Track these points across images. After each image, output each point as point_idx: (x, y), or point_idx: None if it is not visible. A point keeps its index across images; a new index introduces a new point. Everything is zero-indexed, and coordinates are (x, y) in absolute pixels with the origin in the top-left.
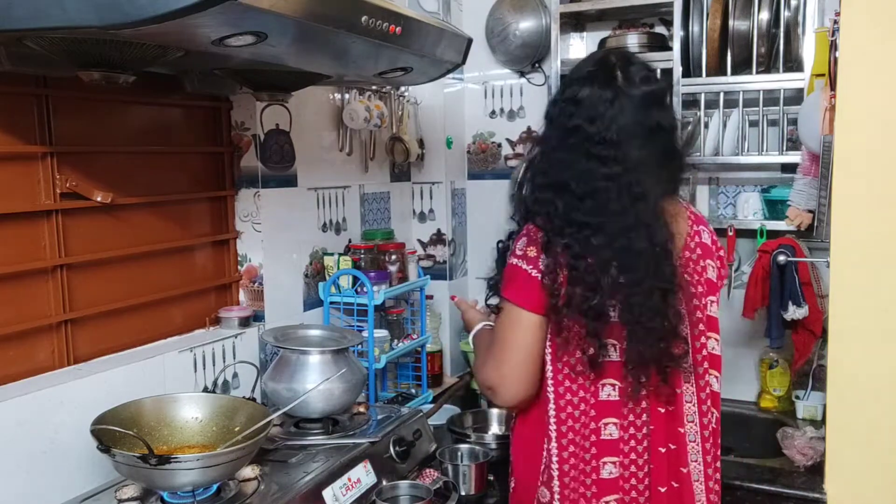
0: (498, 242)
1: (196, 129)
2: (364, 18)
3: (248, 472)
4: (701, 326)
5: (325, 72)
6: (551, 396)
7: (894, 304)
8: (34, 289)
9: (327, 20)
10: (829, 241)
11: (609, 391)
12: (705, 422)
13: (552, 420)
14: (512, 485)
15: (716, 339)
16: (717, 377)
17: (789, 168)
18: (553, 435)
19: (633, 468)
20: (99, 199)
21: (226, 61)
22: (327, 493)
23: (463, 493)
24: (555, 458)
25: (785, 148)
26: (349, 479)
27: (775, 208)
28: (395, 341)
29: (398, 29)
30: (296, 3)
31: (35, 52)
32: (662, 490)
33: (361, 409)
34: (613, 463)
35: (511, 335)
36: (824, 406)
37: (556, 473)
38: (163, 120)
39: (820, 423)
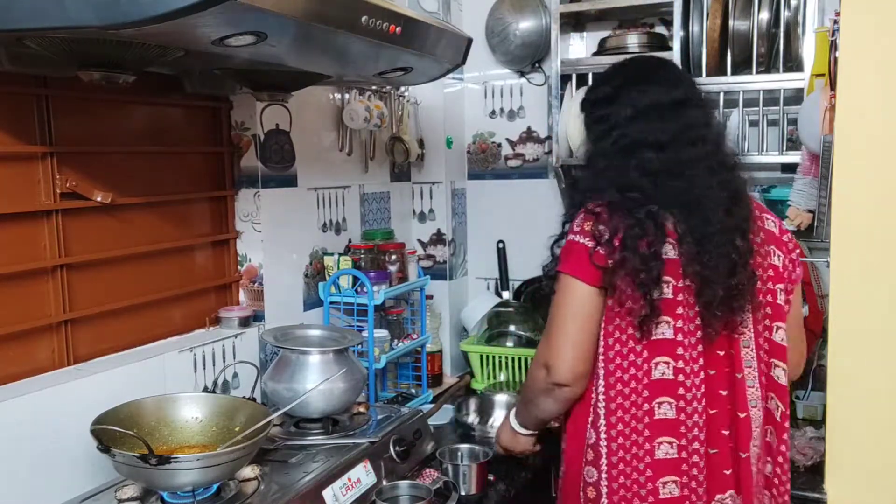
0: (498, 242)
1: (196, 129)
2: (364, 18)
3: (248, 472)
4: (768, 310)
5: (325, 72)
6: (601, 373)
7: (895, 303)
8: (34, 289)
9: (327, 20)
10: (829, 241)
11: (663, 369)
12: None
13: (601, 398)
14: (562, 469)
15: (783, 329)
16: (783, 369)
17: (789, 168)
18: (602, 412)
19: (692, 446)
20: (99, 199)
21: (226, 61)
22: (327, 493)
23: (463, 493)
24: (603, 437)
25: (785, 148)
26: (349, 479)
27: (775, 208)
28: (395, 341)
29: (398, 29)
30: (296, 3)
31: (35, 52)
32: (725, 433)
33: (361, 409)
34: (669, 443)
35: (564, 307)
36: (824, 406)
37: (604, 452)
38: (163, 120)
39: (820, 423)
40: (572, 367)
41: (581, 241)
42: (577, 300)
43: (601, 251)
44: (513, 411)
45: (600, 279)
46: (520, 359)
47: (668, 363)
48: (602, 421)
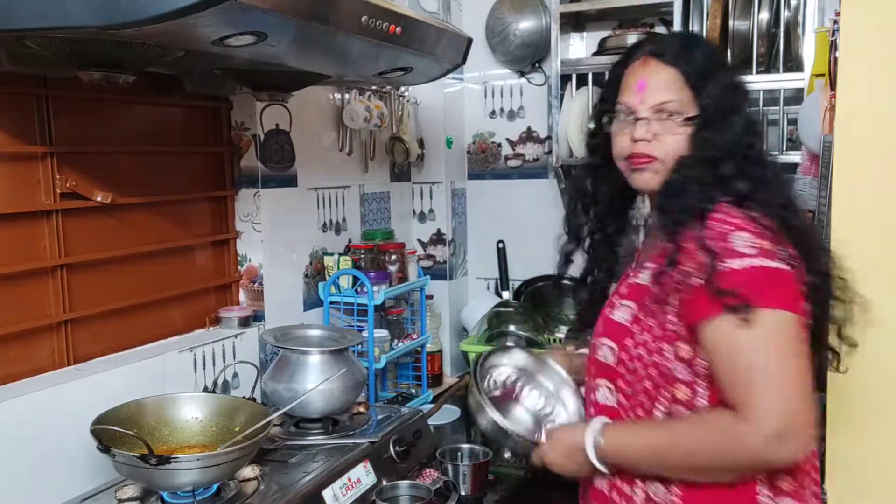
0: (498, 242)
1: (196, 129)
2: (364, 18)
3: (248, 472)
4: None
5: (325, 72)
6: None
7: (895, 304)
8: (34, 289)
9: (327, 20)
10: (829, 241)
11: None
12: None
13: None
14: None
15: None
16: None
17: (789, 168)
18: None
19: None
20: (99, 199)
21: (226, 61)
22: (327, 493)
23: (463, 493)
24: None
25: (785, 148)
26: (349, 479)
27: None
28: (395, 341)
29: (398, 29)
30: (296, 3)
31: (35, 52)
32: None
33: (361, 409)
34: None
35: (794, 355)
36: (824, 406)
37: None
38: (163, 120)
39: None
40: (810, 434)
41: (776, 265)
42: (802, 342)
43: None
44: (595, 443)
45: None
46: None
47: None
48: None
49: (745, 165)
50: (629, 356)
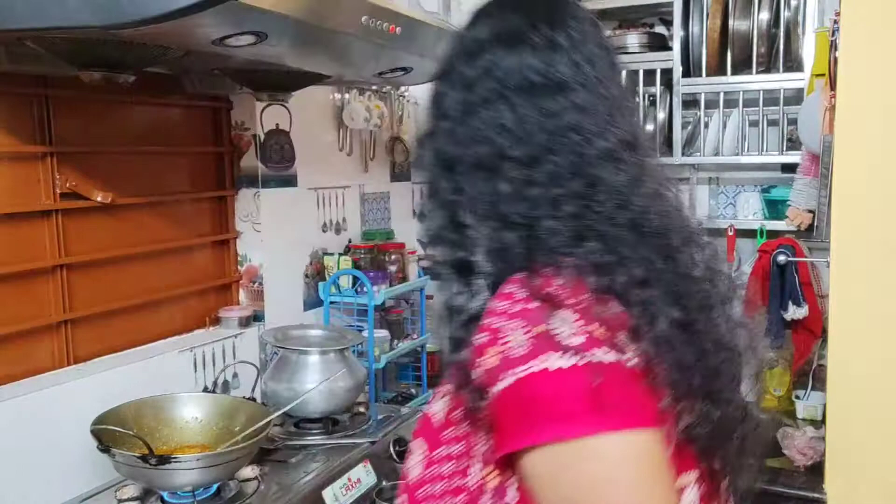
0: None
1: (196, 129)
2: (364, 18)
3: (248, 472)
4: None
5: (325, 72)
6: None
7: (894, 303)
8: (34, 289)
9: (327, 20)
10: (829, 241)
11: None
12: None
13: None
14: None
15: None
16: None
17: (789, 168)
18: None
19: None
20: (99, 199)
21: (226, 61)
22: (327, 493)
23: None
24: None
25: (785, 148)
26: (349, 479)
27: (775, 208)
28: (395, 341)
29: (398, 29)
30: (296, 3)
31: (35, 52)
32: None
33: (361, 409)
34: None
35: (648, 491)
36: (824, 406)
37: None
38: (163, 120)
39: (820, 423)
40: None
41: (610, 358)
42: (658, 469)
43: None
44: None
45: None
46: None
47: None
48: None
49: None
50: (432, 475)
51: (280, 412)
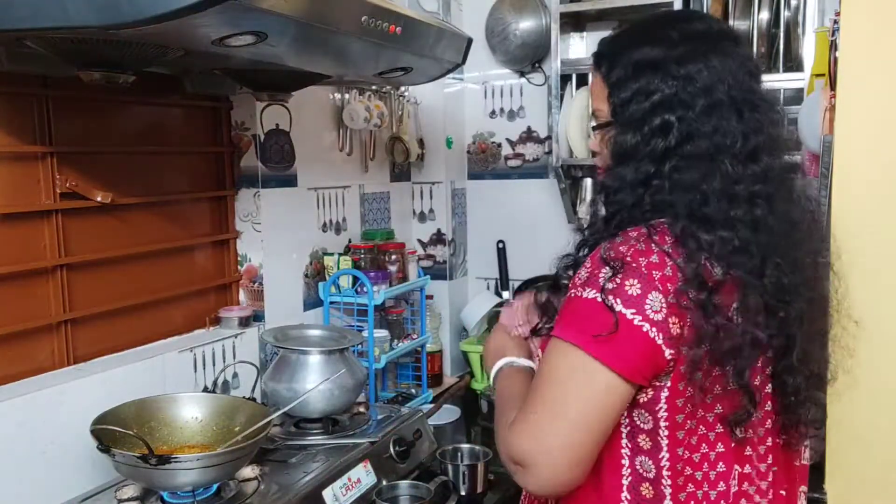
0: (498, 242)
1: (196, 129)
2: (364, 18)
3: (248, 472)
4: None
5: (325, 72)
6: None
7: (894, 302)
8: (34, 289)
9: (327, 20)
10: (829, 241)
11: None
12: None
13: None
14: None
15: None
16: None
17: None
18: None
19: None
20: (99, 199)
21: (226, 61)
22: (327, 493)
23: (463, 493)
24: None
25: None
26: (349, 479)
27: None
28: (395, 341)
29: (398, 29)
30: (296, 3)
31: (35, 52)
32: None
33: (361, 409)
34: None
35: (575, 398)
36: (825, 405)
37: None
38: (163, 120)
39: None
40: (564, 479)
41: (626, 312)
42: (598, 396)
43: (673, 327)
44: (498, 368)
45: (649, 376)
46: None
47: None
48: None
49: (666, 171)
50: None
51: (280, 412)
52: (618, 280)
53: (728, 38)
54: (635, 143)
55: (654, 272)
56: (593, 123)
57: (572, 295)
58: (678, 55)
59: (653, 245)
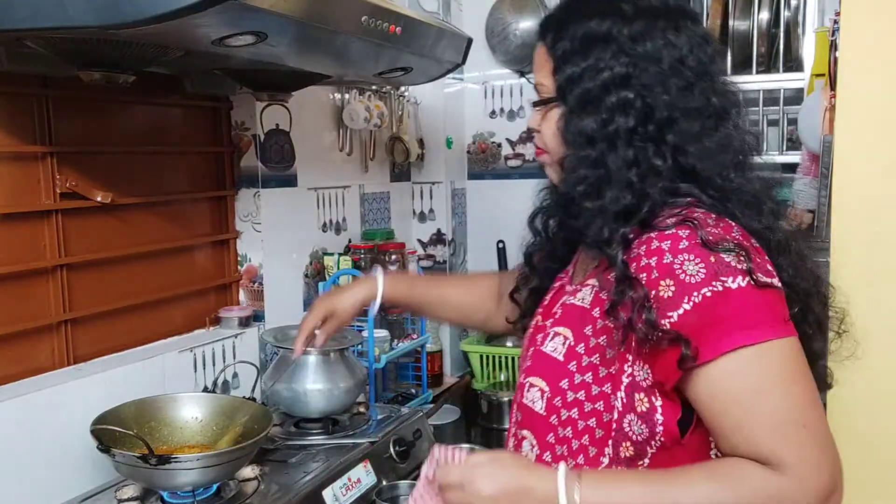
0: (498, 242)
1: (196, 129)
2: (364, 18)
3: (248, 472)
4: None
5: (325, 72)
6: None
7: (895, 303)
8: (34, 289)
9: (327, 20)
10: (829, 241)
11: None
12: None
13: None
14: None
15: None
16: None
17: (789, 168)
18: None
19: None
20: (99, 199)
21: (226, 61)
22: (327, 493)
23: None
24: None
25: (785, 148)
26: (349, 479)
27: None
28: (395, 341)
29: (398, 29)
30: (296, 3)
31: (35, 52)
32: None
33: (361, 409)
34: None
35: (811, 387)
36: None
37: None
38: (163, 120)
39: None
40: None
41: (772, 281)
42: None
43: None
44: (571, 493)
45: None
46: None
47: None
48: None
49: (644, 158)
50: (564, 403)
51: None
52: (746, 256)
53: (687, 16)
54: (599, 125)
55: (752, 242)
56: (535, 99)
57: (709, 293)
58: (634, 32)
59: (723, 221)
